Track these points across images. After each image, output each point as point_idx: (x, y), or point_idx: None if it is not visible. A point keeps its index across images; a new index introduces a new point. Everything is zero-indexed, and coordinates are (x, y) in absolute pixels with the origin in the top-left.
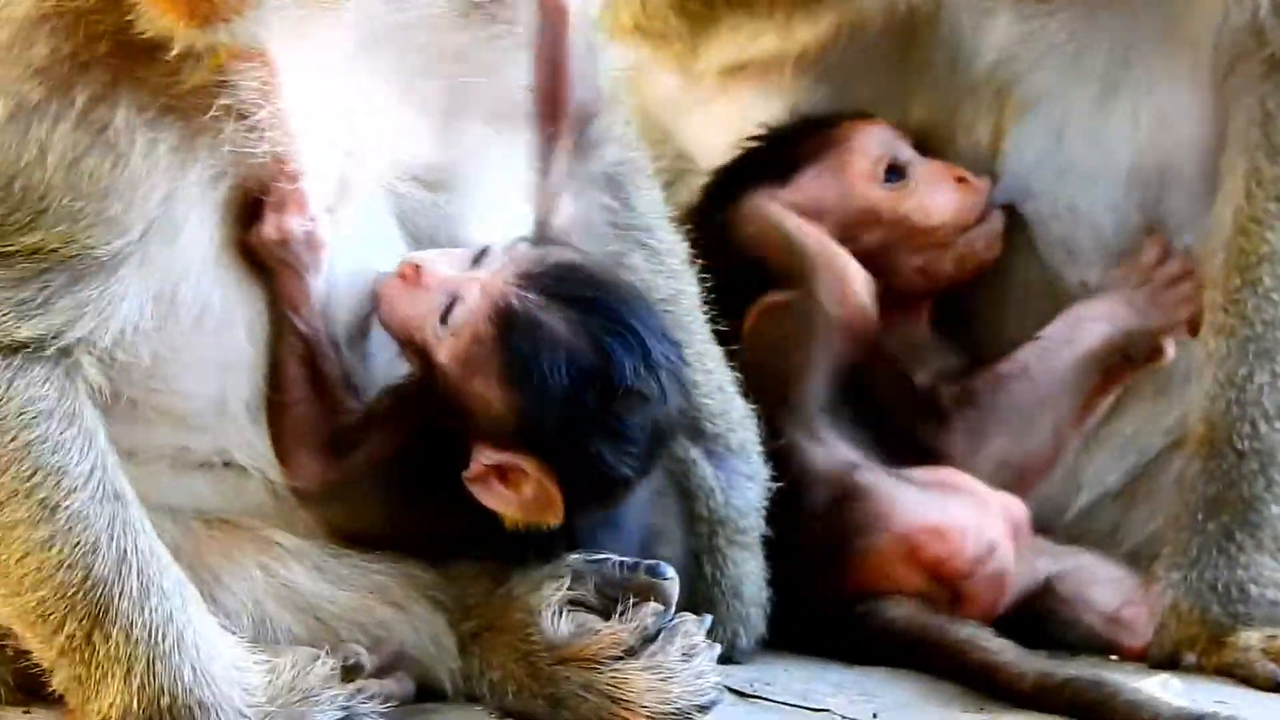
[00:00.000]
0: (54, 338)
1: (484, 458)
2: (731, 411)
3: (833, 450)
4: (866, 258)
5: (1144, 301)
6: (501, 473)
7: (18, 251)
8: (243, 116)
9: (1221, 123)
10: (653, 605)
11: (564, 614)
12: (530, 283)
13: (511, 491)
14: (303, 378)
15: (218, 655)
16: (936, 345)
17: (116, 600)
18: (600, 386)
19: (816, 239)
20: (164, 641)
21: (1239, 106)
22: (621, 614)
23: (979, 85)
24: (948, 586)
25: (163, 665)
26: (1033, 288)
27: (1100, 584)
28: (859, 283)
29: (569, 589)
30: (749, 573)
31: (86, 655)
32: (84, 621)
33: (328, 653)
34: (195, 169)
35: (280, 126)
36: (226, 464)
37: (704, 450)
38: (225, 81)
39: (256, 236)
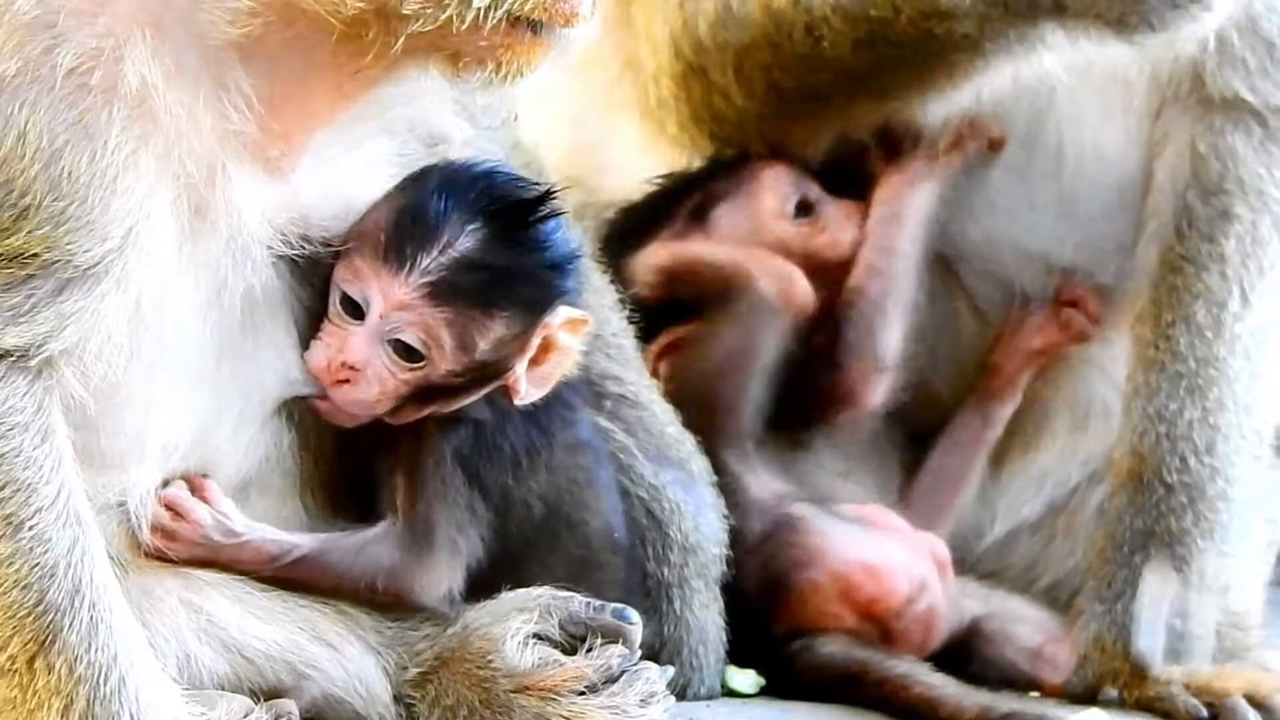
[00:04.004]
0: (39, 347)
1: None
2: (685, 441)
3: (764, 481)
4: None
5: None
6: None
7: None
8: None
9: (1146, 161)
10: (618, 648)
11: (529, 645)
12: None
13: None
14: None
15: (157, 707)
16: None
17: (65, 631)
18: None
19: (734, 253)
20: (106, 684)
21: (1168, 145)
22: (587, 651)
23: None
24: (879, 625)
25: (102, 709)
26: (960, 327)
27: (1023, 622)
28: (796, 273)
29: (536, 622)
30: (712, 616)
31: (25, 681)
32: (29, 645)
33: (262, 706)
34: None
35: None
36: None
37: (673, 476)
38: None
39: None
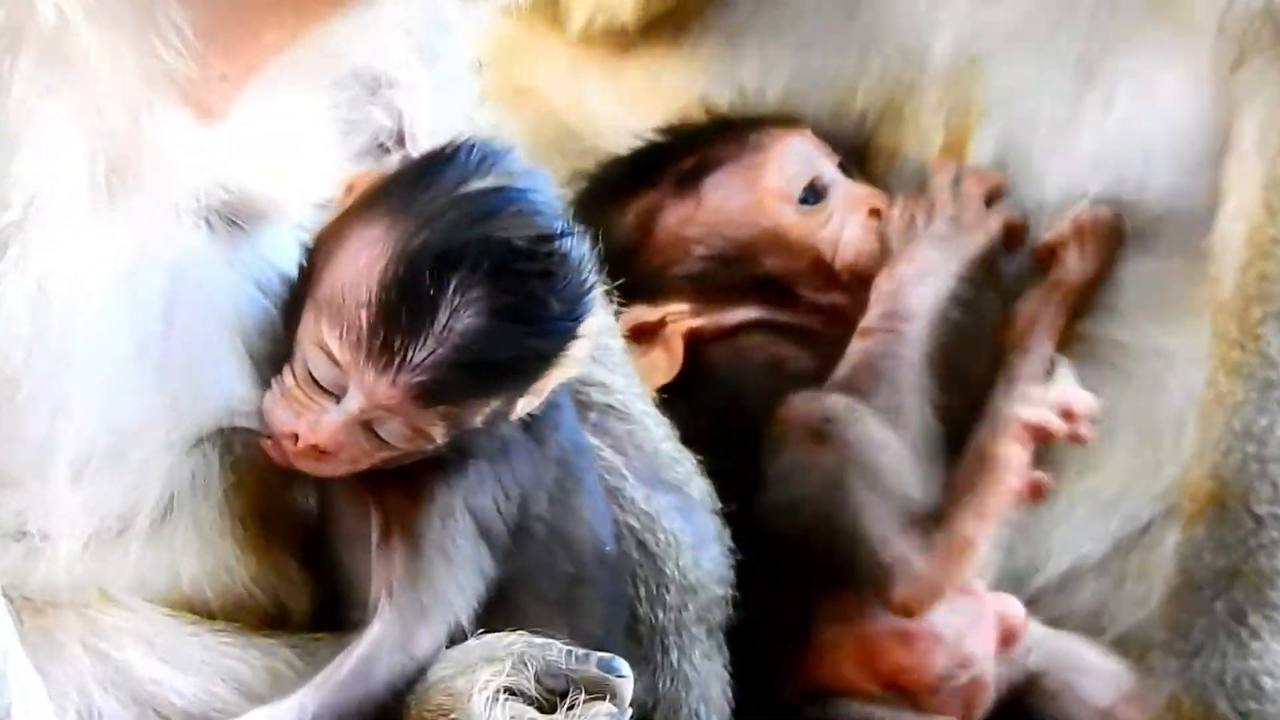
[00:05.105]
0: None
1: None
2: (684, 461)
3: None
4: (765, 284)
5: (951, 229)
6: None
7: None
8: None
9: (1223, 122)
10: (604, 705)
11: (499, 701)
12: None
13: None
14: None
15: None
16: None
17: None
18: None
19: None
20: None
21: (1250, 106)
22: (569, 709)
23: (934, 73)
24: (907, 698)
25: None
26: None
27: (1090, 674)
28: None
29: (508, 674)
30: (715, 669)
31: None
32: None
33: None
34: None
35: None
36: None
37: (669, 501)
38: None
39: None
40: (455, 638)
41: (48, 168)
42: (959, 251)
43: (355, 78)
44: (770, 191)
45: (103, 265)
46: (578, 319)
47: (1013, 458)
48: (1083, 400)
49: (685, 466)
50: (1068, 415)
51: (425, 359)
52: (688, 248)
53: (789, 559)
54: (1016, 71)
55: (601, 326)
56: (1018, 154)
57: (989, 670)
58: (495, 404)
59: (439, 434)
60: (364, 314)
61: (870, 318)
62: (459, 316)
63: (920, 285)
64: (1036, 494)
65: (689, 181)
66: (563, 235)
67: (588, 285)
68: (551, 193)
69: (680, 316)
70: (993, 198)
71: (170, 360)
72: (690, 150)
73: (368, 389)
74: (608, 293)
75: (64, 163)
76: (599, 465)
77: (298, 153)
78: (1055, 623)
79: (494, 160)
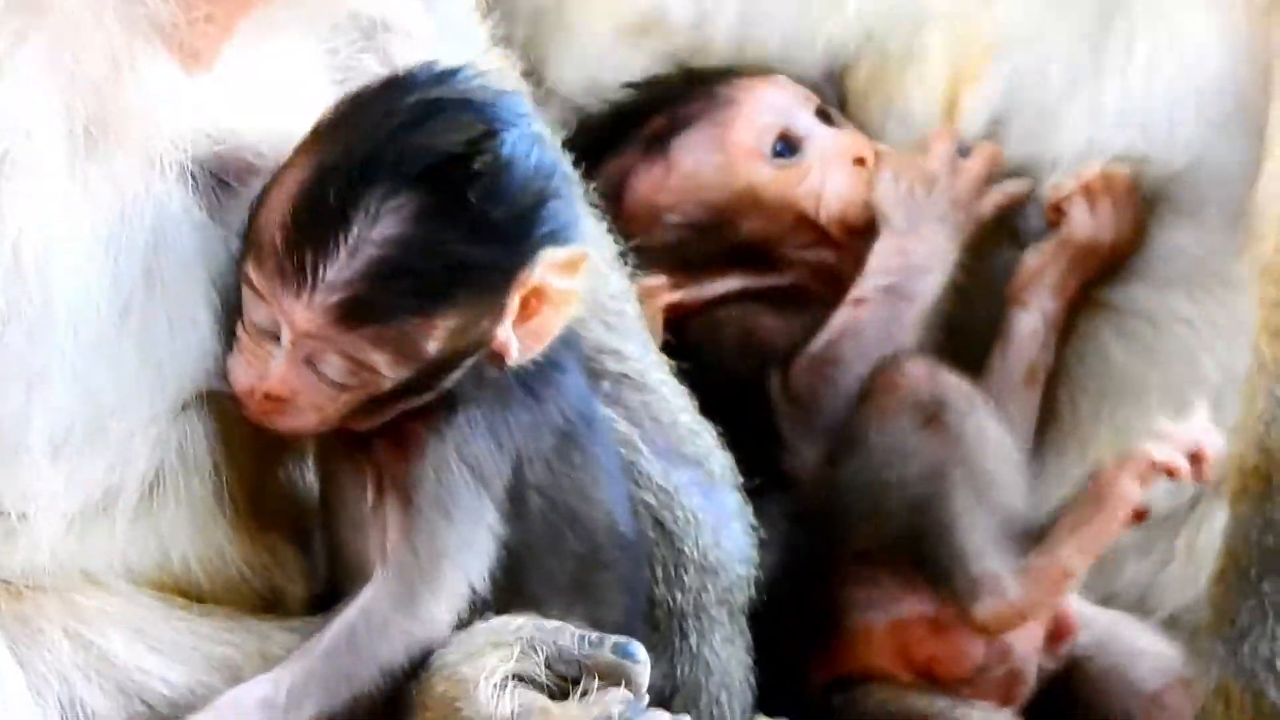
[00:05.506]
0: None
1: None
2: (704, 434)
3: None
4: (746, 250)
5: (953, 212)
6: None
7: None
8: None
9: (1258, 71)
10: (620, 691)
11: (508, 689)
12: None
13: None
14: None
15: None
16: None
17: None
18: None
19: None
20: None
21: None
22: (581, 696)
23: (937, 6)
24: (943, 687)
25: None
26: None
27: (1141, 657)
28: None
29: (517, 660)
30: (736, 654)
31: None
32: None
33: None
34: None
35: None
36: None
37: (688, 477)
38: None
39: None
40: (474, 607)
41: (21, 122)
42: (960, 235)
43: (351, 21)
44: (739, 149)
45: (81, 226)
46: (528, 227)
47: (1133, 496)
48: (1215, 445)
49: (705, 440)
50: (1196, 459)
51: (338, 276)
52: (661, 216)
53: (849, 537)
54: (1029, 5)
55: (615, 290)
56: (1029, 103)
57: (1031, 663)
58: (447, 325)
59: (383, 365)
60: (278, 237)
61: (864, 288)
62: (375, 227)
63: (927, 275)
64: (1138, 519)
65: (657, 145)
66: (502, 134)
67: (543, 191)
68: (515, 109)
69: (658, 291)
70: (994, 176)
71: (152, 326)
72: (658, 110)
73: (288, 317)
74: (622, 255)
75: (39, 116)
76: (615, 437)
77: (288, 102)
78: (1103, 602)
79: (447, 76)
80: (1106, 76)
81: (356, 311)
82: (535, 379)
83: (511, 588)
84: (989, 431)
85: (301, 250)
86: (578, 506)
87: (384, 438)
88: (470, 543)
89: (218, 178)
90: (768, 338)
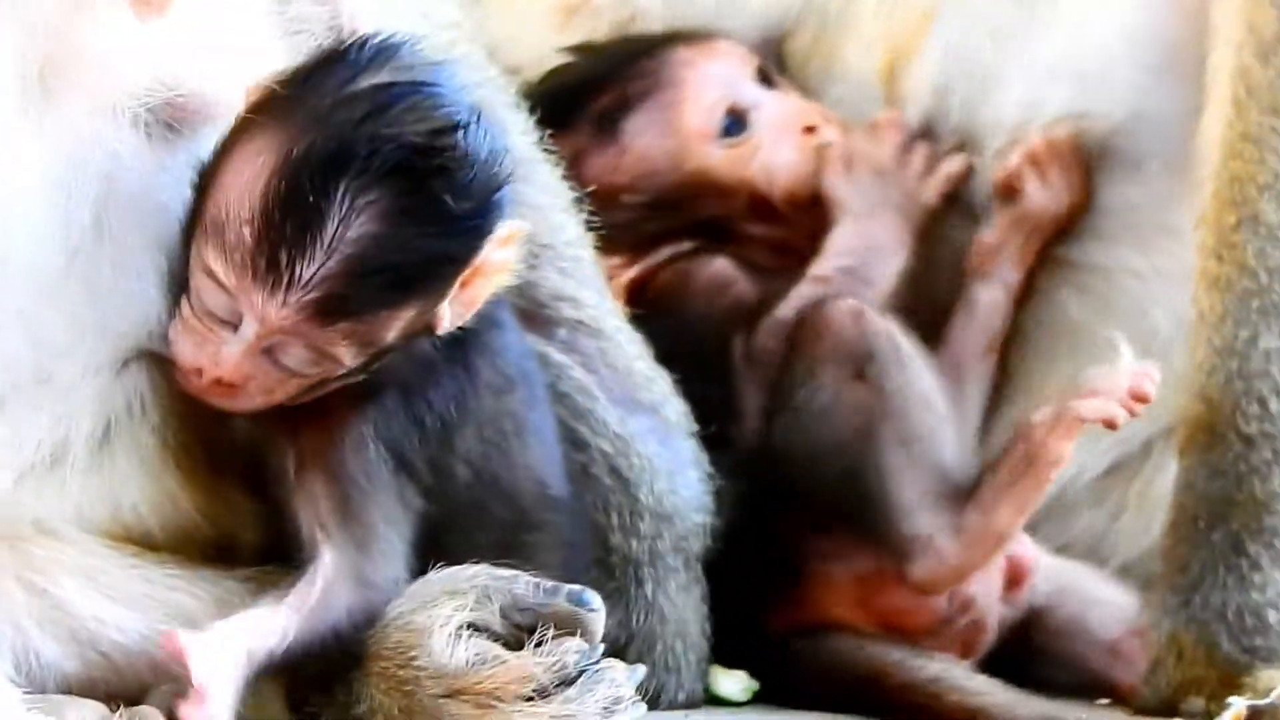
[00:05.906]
0: None
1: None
2: (659, 380)
3: None
4: (705, 230)
5: (906, 201)
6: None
7: None
8: None
9: (1194, 10)
10: (575, 641)
11: (462, 638)
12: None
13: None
14: None
15: None
16: None
17: None
18: None
19: None
20: None
21: None
22: (536, 645)
23: None
24: (905, 638)
25: None
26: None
27: (1099, 606)
28: None
29: (471, 609)
30: (692, 603)
31: None
32: None
33: (121, 713)
34: None
35: None
36: None
37: (644, 424)
38: None
39: None
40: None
41: None
42: (912, 225)
43: None
44: (691, 133)
45: (32, 172)
46: (485, 216)
47: (1064, 456)
48: (1152, 380)
49: (660, 387)
50: (1138, 398)
51: (315, 274)
52: (616, 197)
53: (796, 496)
54: None
55: (571, 237)
56: (967, 69)
57: (992, 613)
58: (409, 314)
59: (346, 355)
60: (247, 232)
61: (825, 267)
62: (350, 224)
63: (887, 260)
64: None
65: (608, 125)
66: (462, 128)
67: (497, 180)
68: (456, 84)
69: (616, 272)
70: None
71: (98, 275)
72: (604, 84)
73: (259, 313)
74: (577, 200)
75: None
76: (570, 384)
77: (240, 50)
78: (1057, 553)
79: (389, 54)
80: (1038, 35)
81: (332, 308)
82: (468, 347)
83: (435, 556)
84: (918, 385)
85: (275, 248)
86: (502, 475)
87: (307, 412)
88: (389, 516)
89: (168, 124)
90: (740, 295)
